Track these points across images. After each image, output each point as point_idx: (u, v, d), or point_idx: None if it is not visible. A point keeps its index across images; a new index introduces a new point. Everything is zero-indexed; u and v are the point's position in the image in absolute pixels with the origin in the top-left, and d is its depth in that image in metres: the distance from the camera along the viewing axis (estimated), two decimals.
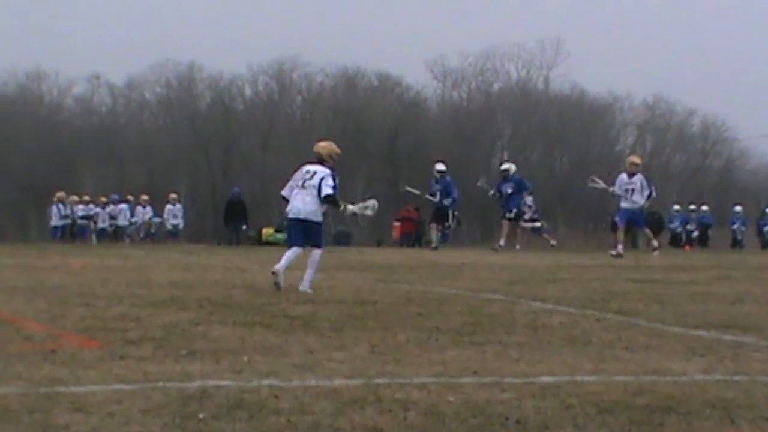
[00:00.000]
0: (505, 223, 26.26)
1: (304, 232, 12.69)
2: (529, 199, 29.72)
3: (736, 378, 6.72)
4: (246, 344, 7.90)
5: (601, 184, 24.33)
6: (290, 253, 12.63)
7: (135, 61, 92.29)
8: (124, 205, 37.18)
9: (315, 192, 12.63)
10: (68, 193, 36.63)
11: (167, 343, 7.89)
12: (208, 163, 61.22)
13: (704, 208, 41.28)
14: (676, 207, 41.57)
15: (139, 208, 37.19)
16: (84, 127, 64.47)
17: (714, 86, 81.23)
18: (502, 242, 25.77)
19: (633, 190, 22.72)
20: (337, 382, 6.38)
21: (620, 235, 23.08)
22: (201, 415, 5.34)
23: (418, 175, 60.73)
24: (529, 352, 7.76)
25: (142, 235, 37.13)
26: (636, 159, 24.17)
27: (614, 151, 70.76)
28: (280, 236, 39.63)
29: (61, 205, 35.59)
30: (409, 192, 25.29)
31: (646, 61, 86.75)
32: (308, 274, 12.38)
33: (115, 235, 36.88)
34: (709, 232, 40.39)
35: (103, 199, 37.52)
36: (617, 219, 23.67)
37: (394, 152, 63.73)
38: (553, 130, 68.01)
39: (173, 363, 6.95)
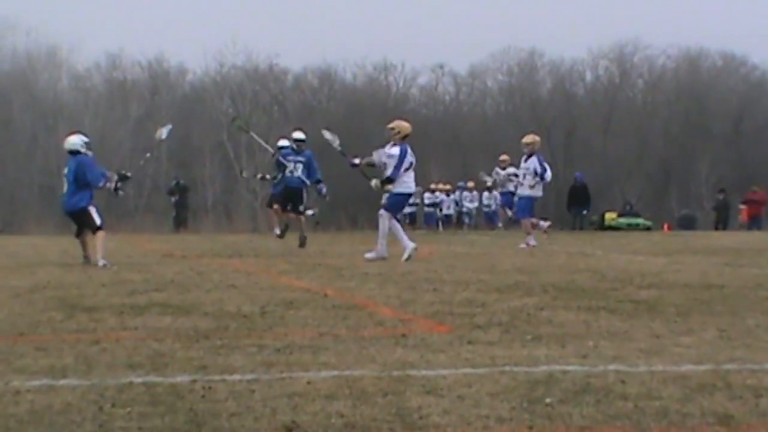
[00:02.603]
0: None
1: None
2: None
3: None
4: (591, 329, 7.90)
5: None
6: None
7: (477, 49, 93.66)
8: (467, 192, 37.85)
9: None
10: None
11: (513, 327, 7.99)
12: (550, 148, 61.28)
13: None
14: None
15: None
16: (428, 116, 65.87)
17: None
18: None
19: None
20: (685, 367, 6.28)
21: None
22: (548, 400, 5.39)
23: (763, 158, 58.56)
24: None
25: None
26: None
27: None
28: (623, 221, 39.20)
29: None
30: None
31: None
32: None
33: (458, 221, 37.62)
34: None
35: (447, 187, 38.27)
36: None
37: (740, 134, 61.59)
38: None
39: (520, 347, 7.04)
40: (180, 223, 34.33)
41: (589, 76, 67.24)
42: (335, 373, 6.09)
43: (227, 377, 5.95)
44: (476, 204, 37.67)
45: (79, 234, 15.03)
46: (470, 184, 38.20)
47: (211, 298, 9.94)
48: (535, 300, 9.84)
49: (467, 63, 68.61)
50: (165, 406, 5.23)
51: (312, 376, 5.95)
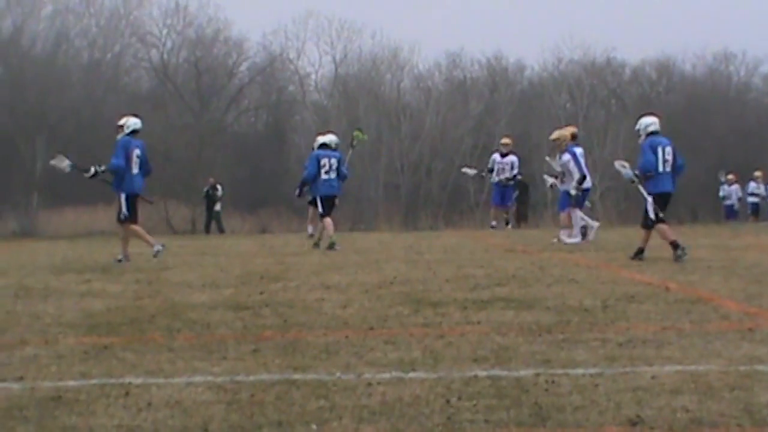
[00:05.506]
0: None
1: None
2: None
3: None
4: None
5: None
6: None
7: None
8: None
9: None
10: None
11: None
12: None
13: None
14: None
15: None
16: None
17: None
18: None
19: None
20: None
21: None
22: None
23: None
24: None
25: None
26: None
27: None
28: None
29: (753, 183, 35.46)
30: None
31: None
32: None
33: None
34: None
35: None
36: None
37: None
38: None
39: None
40: (521, 218, 34.57)
41: None
42: (679, 367, 6.05)
43: (570, 371, 6.02)
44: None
45: (133, 221, 14.65)
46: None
47: (552, 293, 10.02)
48: None
49: None
50: (510, 399, 5.35)
51: (656, 371, 5.93)
